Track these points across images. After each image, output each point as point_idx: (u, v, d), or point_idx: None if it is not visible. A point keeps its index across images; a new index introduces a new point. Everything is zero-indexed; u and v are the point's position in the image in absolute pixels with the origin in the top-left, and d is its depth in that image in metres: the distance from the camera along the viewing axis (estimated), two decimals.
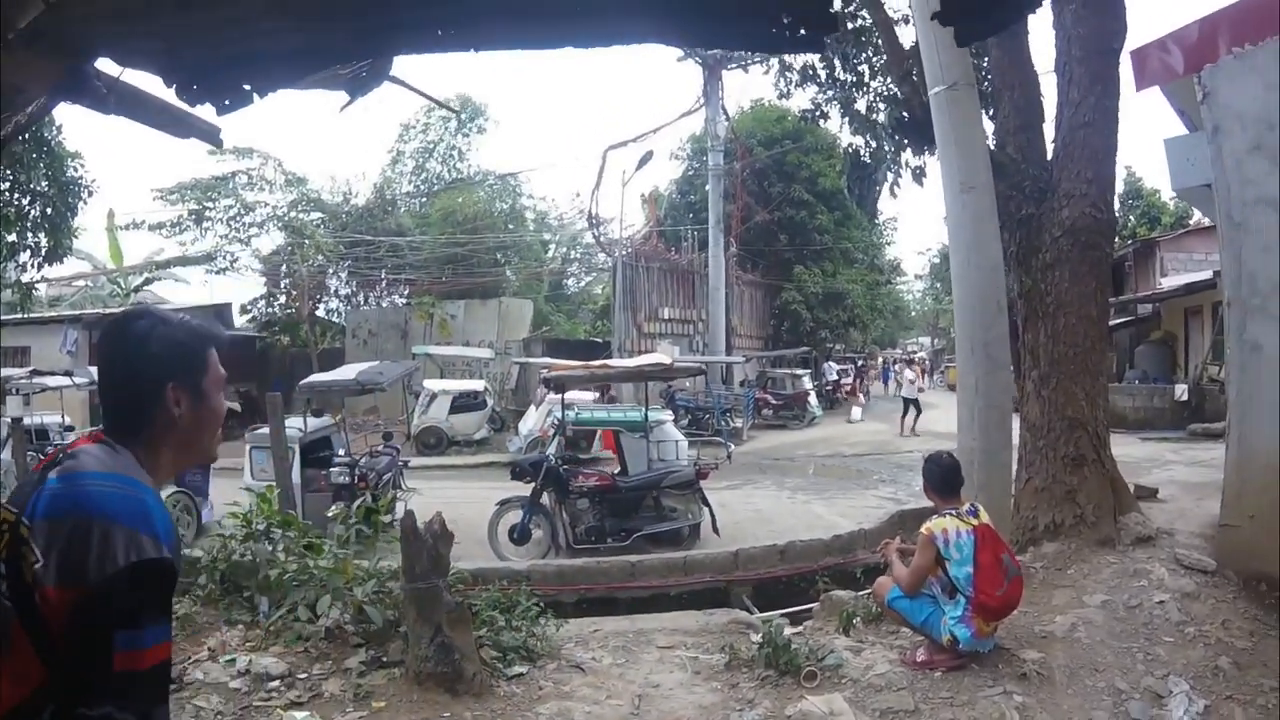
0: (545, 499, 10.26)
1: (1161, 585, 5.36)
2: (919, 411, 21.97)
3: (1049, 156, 6.90)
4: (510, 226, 32.44)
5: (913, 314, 58.71)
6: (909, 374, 24.20)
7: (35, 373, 15.07)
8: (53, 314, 24.77)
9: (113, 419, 1.54)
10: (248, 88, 2.52)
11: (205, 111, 2.83)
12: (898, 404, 24.43)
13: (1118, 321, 21.21)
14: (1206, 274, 17.89)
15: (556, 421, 12.24)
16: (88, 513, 1.33)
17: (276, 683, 4.73)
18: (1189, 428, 15.79)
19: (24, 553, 1.27)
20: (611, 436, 13.01)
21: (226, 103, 2.54)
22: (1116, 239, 7.64)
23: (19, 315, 16.97)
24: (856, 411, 26.28)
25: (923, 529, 4.61)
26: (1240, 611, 5.05)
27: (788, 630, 5.37)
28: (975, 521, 4.50)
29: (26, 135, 10.90)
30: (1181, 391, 17.34)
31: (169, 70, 2.48)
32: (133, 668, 1.31)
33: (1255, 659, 4.56)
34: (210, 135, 3.12)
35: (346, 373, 12.84)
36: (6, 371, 16.41)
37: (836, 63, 9.95)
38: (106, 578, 1.29)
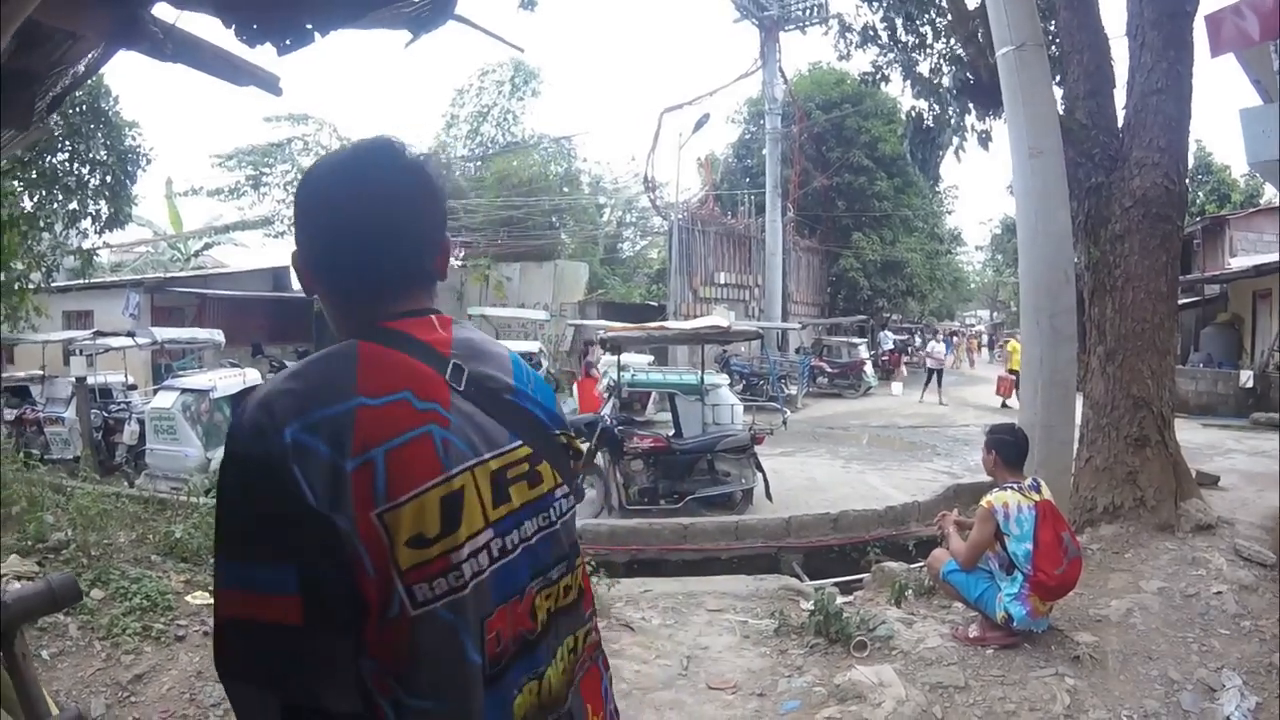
0: (599, 459, 10.32)
1: (1220, 576, 5.25)
2: (939, 382, 22.75)
3: (1119, 124, 6.69)
4: (565, 189, 32.31)
5: (972, 286, 57.44)
6: (939, 348, 24.81)
7: (99, 334, 15.50)
8: (114, 279, 25.35)
9: (416, 276, 1.32)
10: (309, 26, 2.47)
11: (263, 59, 2.80)
12: (953, 377, 24.96)
13: (1184, 301, 20.62)
14: (1277, 255, 17.27)
15: (612, 383, 12.26)
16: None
17: None
18: (1252, 416, 15.37)
19: (569, 461, 1.38)
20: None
21: (287, 42, 2.49)
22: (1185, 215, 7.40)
23: (82, 280, 17.40)
24: (897, 386, 25.90)
25: (983, 502, 4.54)
26: None
27: (838, 599, 5.35)
28: (1037, 497, 4.41)
29: (84, 106, 11.09)
30: (1246, 378, 16.82)
31: (227, 10, 2.45)
32: None
33: None
34: (269, 84, 3.07)
35: None
36: (71, 334, 16.90)
37: (898, 23, 9.69)
38: None
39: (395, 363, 1.18)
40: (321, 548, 1.04)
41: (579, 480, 1.44)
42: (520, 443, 1.26)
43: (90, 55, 2.85)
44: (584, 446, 1.46)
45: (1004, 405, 20.72)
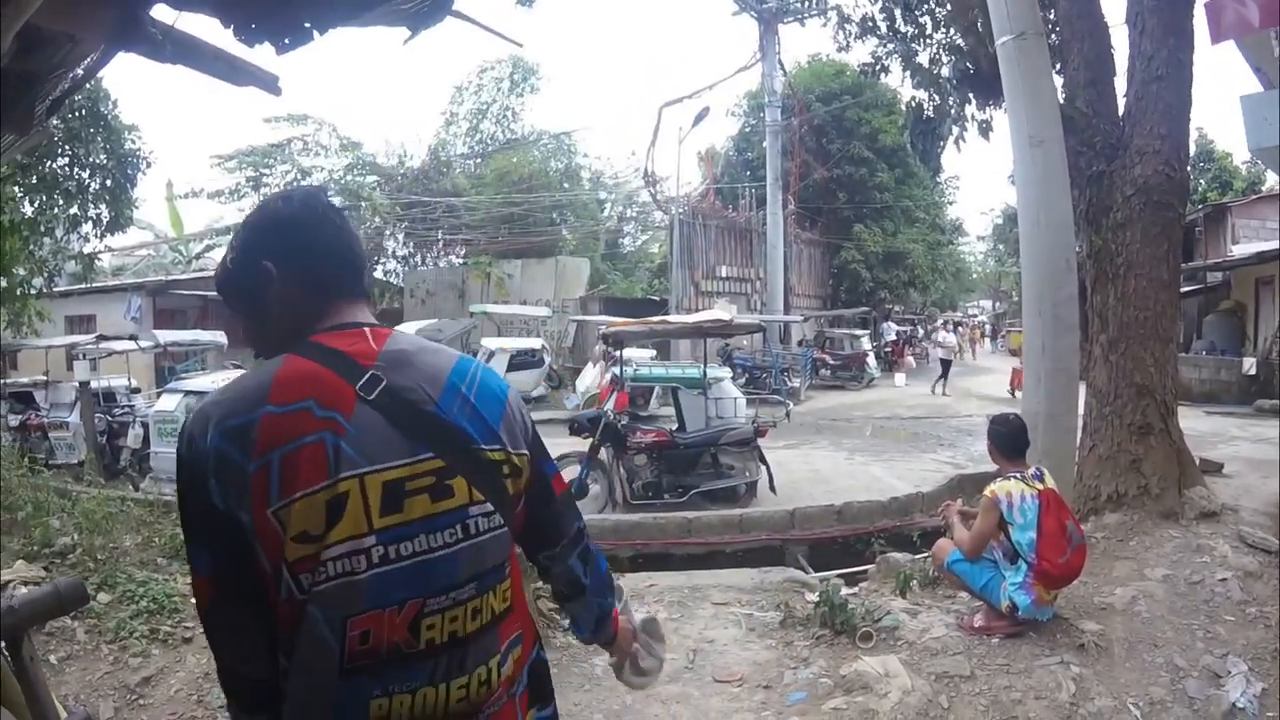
0: (603, 455, 10.30)
1: (1224, 562, 5.24)
2: (946, 374, 22.80)
3: (1120, 112, 6.68)
4: (565, 185, 32.30)
5: (974, 276, 57.31)
6: (950, 338, 25.39)
7: (101, 338, 15.55)
8: (116, 283, 25.42)
9: (356, 291, 1.46)
10: (307, 25, 2.47)
11: (262, 59, 2.81)
12: (956, 367, 24.84)
13: (1186, 289, 20.50)
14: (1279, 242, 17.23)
15: (615, 378, 12.25)
16: (504, 390, 1.48)
17: None
18: (1256, 403, 15.36)
19: (503, 479, 1.41)
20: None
21: (286, 41, 2.49)
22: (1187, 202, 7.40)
23: (84, 285, 17.45)
24: (900, 378, 25.83)
25: (986, 491, 4.54)
26: None
27: (844, 590, 5.35)
28: (1040, 486, 4.41)
29: (83, 110, 11.09)
30: (1250, 365, 16.75)
31: (226, 10, 2.45)
32: (565, 481, 1.60)
33: None
34: (269, 83, 3.07)
35: (406, 330, 12.98)
36: (74, 338, 16.95)
37: (897, 14, 9.67)
38: (534, 426, 1.53)
39: (307, 373, 1.29)
40: (226, 539, 1.22)
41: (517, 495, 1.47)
42: (430, 455, 1.30)
43: (90, 58, 2.85)
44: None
45: (1014, 395, 20.62)
